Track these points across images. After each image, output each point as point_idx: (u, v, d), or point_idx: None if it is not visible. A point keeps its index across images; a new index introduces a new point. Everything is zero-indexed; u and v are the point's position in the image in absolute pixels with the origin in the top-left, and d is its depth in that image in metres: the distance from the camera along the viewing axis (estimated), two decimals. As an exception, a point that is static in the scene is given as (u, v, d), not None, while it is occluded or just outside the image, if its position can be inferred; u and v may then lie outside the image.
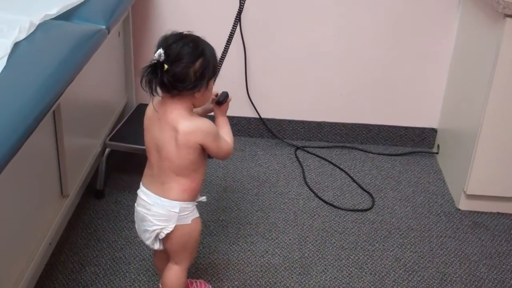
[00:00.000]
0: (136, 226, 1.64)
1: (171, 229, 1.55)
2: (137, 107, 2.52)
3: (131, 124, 2.38)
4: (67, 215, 1.94)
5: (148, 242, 1.61)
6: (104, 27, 1.92)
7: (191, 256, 1.66)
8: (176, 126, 1.47)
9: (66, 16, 1.91)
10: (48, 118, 1.67)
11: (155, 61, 1.41)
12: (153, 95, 1.45)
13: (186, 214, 1.56)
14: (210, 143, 1.50)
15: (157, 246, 1.61)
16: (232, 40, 2.39)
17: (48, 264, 1.84)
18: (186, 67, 1.42)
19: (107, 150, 2.24)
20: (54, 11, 1.87)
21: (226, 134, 1.60)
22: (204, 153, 1.54)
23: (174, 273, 1.64)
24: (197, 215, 1.60)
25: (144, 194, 1.58)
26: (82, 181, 2.05)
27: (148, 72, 1.42)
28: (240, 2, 2.26)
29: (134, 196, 2.24)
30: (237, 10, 2.27)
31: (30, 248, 1.64)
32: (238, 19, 2.27)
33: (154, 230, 1.56)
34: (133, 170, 2.41)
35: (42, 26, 1.77)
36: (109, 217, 2.15)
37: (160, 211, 1.54)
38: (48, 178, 1.77)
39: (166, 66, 1.40)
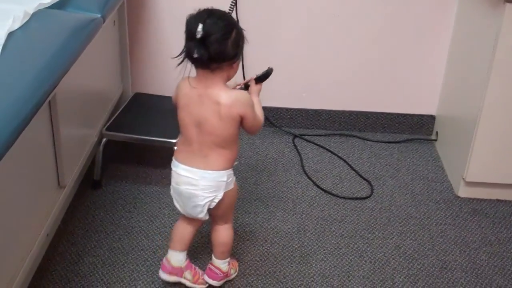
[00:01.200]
0: (180, 204, 1.71)
1: (221, 197, 1.66)
2: (134, 96, 2.50)
3: (128, 113, 2.36)
4: (64, 206, 1.93)
5: (200, 216, 1.69)
6: (99, 15, 1.90)
7: (232, 214, 1.80)
8: (218, 100, 1.56)
9: (61, 5, 1.89)
10: (44, 109, 1.64)
11: (198, 37, 1.48)
12: (202, 68, 1.54)
13: (231, 180, 1.68)
14: (249, 113, 1.60)
15: (207, 216, 1.71)
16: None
17: (46, 255, 1.83)
18: (226, 39, 1.51)
19: (104, 140, 2.22)
20: (48, 0, 1.84)
21: (258, 111, 1.68)
22: (240, 124, 1.63)
23: (227, 230, 1.78)
24: (235, 177, 1.72)
25: (186, 171, 1.65)
26: (79, 171, 2.03)
27: (196, 49, 1.49)
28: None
29: (132, 185, 2.25)
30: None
31: (28, 239, 1.63)
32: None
33: (206, 203, 1.66)
34: (130, 160, 2.39)
35: (37, 15, 1.74)
36: (107, 207, 2.13)
37: (209, 183, 1.63)
38: (44, 169, 1.75)
39: (208, 40, 1.48)
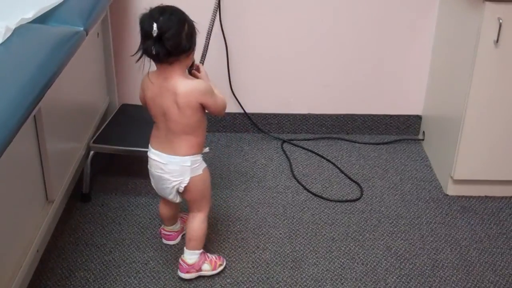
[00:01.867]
0: (153, 184, 1.83)
1: (187, 182, 1.74)
2: (120, 107, 2.50)
3: (115, 125, 2.35)
4: (53, 220, 1.92)
5: (170, 197, 1.81)
6: (82, 28, 1.89)
7: (209, 203, 1.86)
8: (175, 90, 1.64)
9: (43, 19, 1.88)
10: (29, 123, 1.64)
11: (155, 36, 1.56)
12: (161, 63, 1.62)
13: (197, 166, 1.76)
14: (208, 100, 1.68)
15: (178, 199, 1.82)
16: (213, 35, 2.39)
17: (37, 271, 1.82)
18: (180, 33, 1.59)
19: (91, 152, 2.22)
20: (30, 14, 1.83)
21: (217, 92, 1.75)
22: (204, 110, 1.71)
23: (199, 220, 1.83)
24: (205, 164, 1.80)
25: (156, 155, 1.76)
26: (67, 185, 2.03)
27: (153, 46, 1.57)
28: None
29: (121, 198, 2.24)
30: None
31: (17, 256, 1.62)
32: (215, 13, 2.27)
33: (174, 186, 1.76)
34: (119, 172, 2.39)
35: (19, 31, 1.74)
36: (97, 221, 2.12)
37: (174, 167, 1.73)
38: (32, 184, 1.75)
39: (163, 37, 1.56)
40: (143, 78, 1.72)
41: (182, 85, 1.64)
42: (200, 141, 1.76)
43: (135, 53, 1.62)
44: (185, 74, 1.69)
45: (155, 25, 1.55)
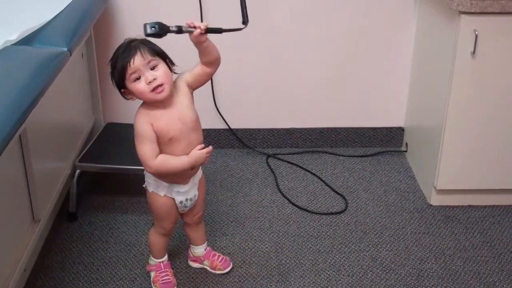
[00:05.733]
0: None
1: (144, 187, 1.82)
2: (106, 127, 2.51)
3: (100, 144, 2.36)
4: (40, 240, 1.93)
5: None
6: (65, 49, 1.91)
7: (158, 222, 1.86)
8: None
9: (27, 40, 1.89)
10: (14, 143, 1.65)
11: None
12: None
13: (147, 181, 1.80)
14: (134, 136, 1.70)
15: None
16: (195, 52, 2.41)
17: (24, 291, 1.82)
18: (112, 68, 1.69)
19: (77, 171, 2.23)
20: (14, 36, 1.84)
21: (171, 160, 1.70)
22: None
23: (150, 231, 1.91)
24: (158, 192, 1.78)
25: None
26: (54, 204, 2.03)
27: None
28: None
29: (108, 216, 2.25)
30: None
31: (4, 275, 1.62)
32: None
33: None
34: (105, 190, 2.39)
35: (3, 52, 1.75)
36: (83, 239, 2.13)
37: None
38: (18, 203, 1.75)
39: None
40: None
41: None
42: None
43: None
44: (144, 104, 1.70)
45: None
